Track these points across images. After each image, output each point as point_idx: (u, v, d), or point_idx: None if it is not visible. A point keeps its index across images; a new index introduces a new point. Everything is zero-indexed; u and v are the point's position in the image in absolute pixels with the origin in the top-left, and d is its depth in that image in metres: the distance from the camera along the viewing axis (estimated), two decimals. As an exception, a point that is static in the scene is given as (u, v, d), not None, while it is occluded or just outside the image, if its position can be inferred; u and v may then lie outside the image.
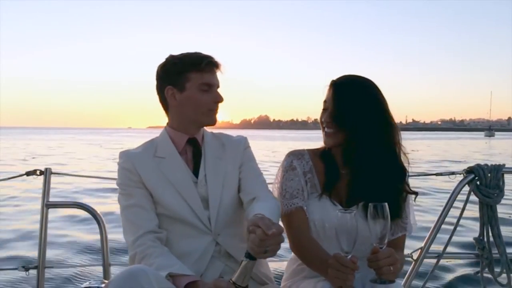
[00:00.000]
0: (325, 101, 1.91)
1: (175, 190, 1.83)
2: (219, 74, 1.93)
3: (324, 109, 1.91)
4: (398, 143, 1.86)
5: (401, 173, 1.87)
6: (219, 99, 1.90)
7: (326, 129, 1.89)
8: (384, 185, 1.79)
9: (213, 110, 1.91)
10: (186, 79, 1.85)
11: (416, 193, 1.89)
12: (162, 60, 1.91)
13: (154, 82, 1.95)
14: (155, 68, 1.93)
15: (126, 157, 1.88)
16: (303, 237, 1.82)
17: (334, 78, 1.93)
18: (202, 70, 1.85)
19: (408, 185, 1.89)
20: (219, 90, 1.92)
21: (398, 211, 1.83)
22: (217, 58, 1.90)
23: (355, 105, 1.82)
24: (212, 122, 1.93)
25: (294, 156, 1.97)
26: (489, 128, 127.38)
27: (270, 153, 27.49)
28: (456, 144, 51.10)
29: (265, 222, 1.39)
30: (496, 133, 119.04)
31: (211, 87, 1.87)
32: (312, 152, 2.00)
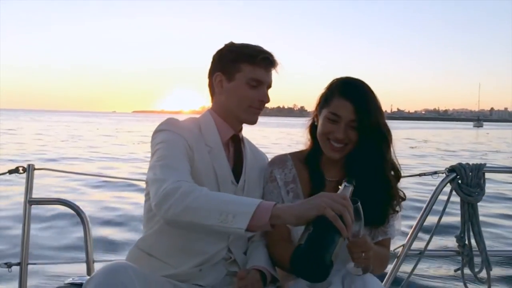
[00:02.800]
0: (335, 114, 1.79)
1: (217, 186, 1.74)
2: (274, 74, 1.85)
3: (334, 121, 1.79)
4: (392, 148, 1.86)
5: (394, 180, 1.86)
6: (265, 98, 1.82)
7: (335, 144, 1.80)
8: (373, 193, 1.75)
9: (256, 109, 1.82)
10: (238, 69, 1.78)
11: (403, 198, 1.90)
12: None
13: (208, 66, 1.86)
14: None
15: (183, 129, 1.74)
16: (282, 250, 1.77)
17: (341, 81, 1.84)
18: (256, 64, 1.77)
19: (398, 190, 1.88)
20: (269, 90, 1.84)
21: (383, 219, 1.83)
22: (276, 57, 1.81)
23: (376, 120, 1.79)
24: (253, 121, 1.84)
25: (275, 165, 1.93)
26: (478, 118, 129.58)
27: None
28: (465, 135, 51.96)
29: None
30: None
31: (260, 84, 1.79)
32: (296, 157, 1.95)
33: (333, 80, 1.88)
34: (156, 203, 1.50)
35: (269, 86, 1.85)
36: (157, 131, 1.76)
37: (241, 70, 1.78)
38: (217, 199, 1.43)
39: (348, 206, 1.35)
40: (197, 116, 1.92)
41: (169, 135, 1.71)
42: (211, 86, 1.88)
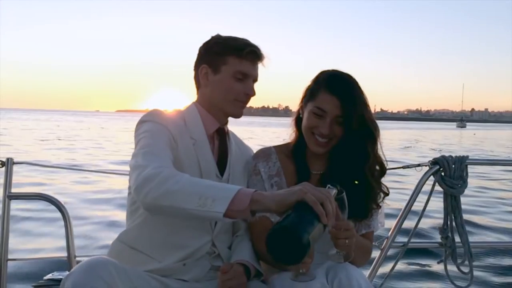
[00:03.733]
0: (320, 109, 1.77)
1: (200, 178, 1.70)
2: (261, 68, 1.84)
3: (319, 116, 1.77)
4: (379, 143, 1.84)
5: (378, 175, 1.86)
6: (251, 92, 1.81)
7: (320, 138, 1.79)
8: (358, 187, 1.75)
9: (241, 102, 1.81)
10: (224, 62, 1.76)
11: (387, 194, 1.89)
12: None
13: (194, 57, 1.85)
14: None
15: (167, 120, 1.73)
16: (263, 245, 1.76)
17: (327, 75, 1.81)
18: (243, 57, 1.76)
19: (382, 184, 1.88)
20: (255, 83, 1.83)
21: (367, 213, 1.83)
22: (263, 50, 1.80)
23: (362, 116, 1.76)
24: (237, 114, 1.83)
25: (260, 158, 1.91)
26: (461, 119, 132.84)
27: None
28: (453, 136, 52.85)
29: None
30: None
31: (246, 77, 1.78)
32: (280, 150, 1.94)
33: (320, 73, 1.86)
34: (136, 187, 1.48)
35: (255, 79, 1.84)
36: (141, 122, 1.74)
37: (227, 63, 1.77)
38: (197, 184, 1.42)
39: (330, 197, 1.33)
40: (182, 108, 1.90)
41: (153, 126, 1.70)
42: (196, 78, 1.86)
